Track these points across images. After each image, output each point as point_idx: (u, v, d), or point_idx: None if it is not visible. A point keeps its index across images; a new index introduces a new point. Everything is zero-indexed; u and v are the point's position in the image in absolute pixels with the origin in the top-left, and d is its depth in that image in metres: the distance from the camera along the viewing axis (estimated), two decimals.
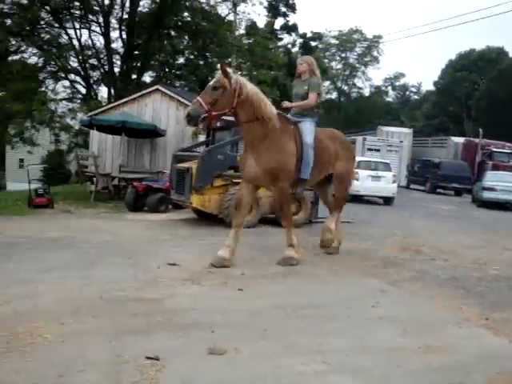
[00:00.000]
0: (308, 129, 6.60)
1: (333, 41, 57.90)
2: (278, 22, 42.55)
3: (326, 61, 57.22)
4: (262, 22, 49.84)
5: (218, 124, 10.94)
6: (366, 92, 61.67)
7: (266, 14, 39.19)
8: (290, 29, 44.39)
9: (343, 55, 59.15)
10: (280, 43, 42.64)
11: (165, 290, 4.97)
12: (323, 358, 3.49)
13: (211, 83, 6.02)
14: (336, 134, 7.48)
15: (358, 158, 18.21)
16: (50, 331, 3.73)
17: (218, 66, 6.26)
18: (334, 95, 61.24)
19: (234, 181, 9.70)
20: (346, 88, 61.47)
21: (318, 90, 6.79)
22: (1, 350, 3.37)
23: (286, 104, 6.85)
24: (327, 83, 58.94)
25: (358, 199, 16.45)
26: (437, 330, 4.27)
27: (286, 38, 45.68)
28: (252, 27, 31.22)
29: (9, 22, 21.80)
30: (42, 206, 11.85)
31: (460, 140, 28.72)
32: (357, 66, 59.33)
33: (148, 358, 3.33)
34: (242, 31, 29.28)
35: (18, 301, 4.43)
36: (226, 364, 3.34)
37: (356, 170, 16.75)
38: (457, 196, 22.88)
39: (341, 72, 60.08)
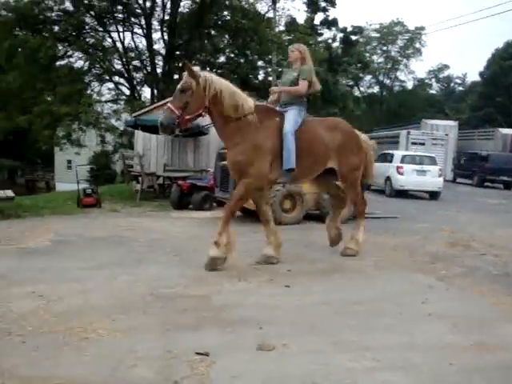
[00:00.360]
0: (290, 116, 6.13)
1: (374, 34, 56.88)
2: (318, 18, 42.25)
3: (367, 54, 56.36)
4: (301, 18, 49.64)
5: None
6: (409, 85, 60.30)
7: (306, 9, 39.00)
8: (330, 24, 43.99)
9: (385, 48, 58.05)
10: (320, 38, 42.34)
11: (212, 287, 5.04)
12: (373, 354, 3.46)
13: (179, 86, 5.77)
14: (337, 123, 6.75)
15: (402, 153, 18.06)
16: (103, 327, 3.84)
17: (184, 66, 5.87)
18: (375, 89, 60.32)
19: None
20: (388, 82, 60.36)
21: (309, 78, 6.28)
22: (58, 344, 3.50)
23: (273, 89, 6.54)
24: (368, 77, 58.14)
25: (403, 194, 16.19)
26: (489, 326, 4.16)
27: (326, 33, 45.30)
28: (292, 23, 31.16)
29: (56, 28, 22.50)
30: (90, 206, 12.18)
31: (508, 131, 27.73)
32: (399, 58, 58.13)
33: (198, 353, 3.38)
34: (281, 28, 29.19)
35: (72, 297, 4.59)
36: (274, 360, 3.35)
37: (399, 165, 16.59)
38: (506, 189, 22.14)
39: (382, 65, 59.08)
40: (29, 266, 5.78)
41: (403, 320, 4.23)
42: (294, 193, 9.84)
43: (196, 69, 5.82)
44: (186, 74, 5.71)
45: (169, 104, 5.74)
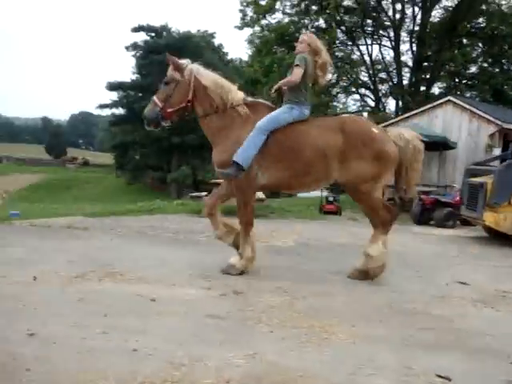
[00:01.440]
0: (273, 112, 5.35)
1: None
2: None
3: None
4: None
5: None
6: None
7: None
8: None
9: None
10: None
11: (454, 309, 4.75)
12: None
13: (164, 79, 5.55)
14: (342, 122, 5.40)
15: None
16: (342, 331, 3.92)
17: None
18: None
19: None
20: None
21: (297, 63, 5.29)
22: (301, 339, 3.69)
23: (274, 88, 5.67)
24: None
25: None
26: None
27: None
28: None
29: None
30: (331, 213, 12.68)
31: None
32: None
33: (439, 376, 3.22)
34: None
35: (313, 297, 4.80)
36: None
37: None
38: None
39: None
40: (276, 263, 6.25)
41: None
42: None
43: (183, 61, 5.54)
44: (170, 67, 5.50)
45: (153, 97, 5.55)
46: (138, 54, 44.66)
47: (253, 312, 4.24)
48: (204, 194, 11.23)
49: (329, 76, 5.58)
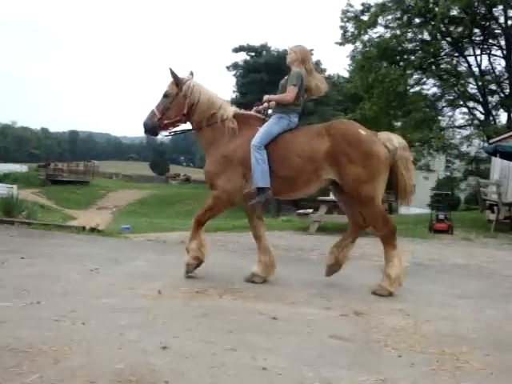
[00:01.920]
0: (263, 127, 5.45)
1: None
2: None
3: None
4: None
5: None
6: None
7: None
8: None
9: None
10: None
11: None
12: None
13: (164, 91, 5.82)
14: (330, 127, 5.37)
15: None
16: (475, 359, 3.67)
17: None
18: None
19: None
20: None
21: (294, 82, 5.39)
22: (432, 366, 3.51)
23: (264, 97, 5.71)
24: None
25: None
26: None
27: None
28: None
29: (412, 57, 23.36)
30: (442, 232, 12.11)
31: None
32: None
33: None
34: None
35: (438, 322, 4.57)
36: None
37: None
38: None
39: None
40: None
41: None
42: None
43: (183, 76, 5.78)
44: (171, 80, 5.76)
45: (153, 107, 5.81)
46: (238, 73, 45.99)
47: (377, 334, 4.11)
48: (310, 211, 11.18)
49: (324, 84, 5.70)
